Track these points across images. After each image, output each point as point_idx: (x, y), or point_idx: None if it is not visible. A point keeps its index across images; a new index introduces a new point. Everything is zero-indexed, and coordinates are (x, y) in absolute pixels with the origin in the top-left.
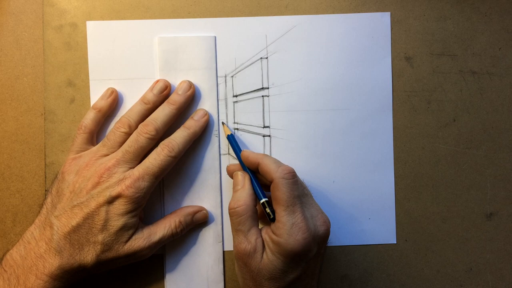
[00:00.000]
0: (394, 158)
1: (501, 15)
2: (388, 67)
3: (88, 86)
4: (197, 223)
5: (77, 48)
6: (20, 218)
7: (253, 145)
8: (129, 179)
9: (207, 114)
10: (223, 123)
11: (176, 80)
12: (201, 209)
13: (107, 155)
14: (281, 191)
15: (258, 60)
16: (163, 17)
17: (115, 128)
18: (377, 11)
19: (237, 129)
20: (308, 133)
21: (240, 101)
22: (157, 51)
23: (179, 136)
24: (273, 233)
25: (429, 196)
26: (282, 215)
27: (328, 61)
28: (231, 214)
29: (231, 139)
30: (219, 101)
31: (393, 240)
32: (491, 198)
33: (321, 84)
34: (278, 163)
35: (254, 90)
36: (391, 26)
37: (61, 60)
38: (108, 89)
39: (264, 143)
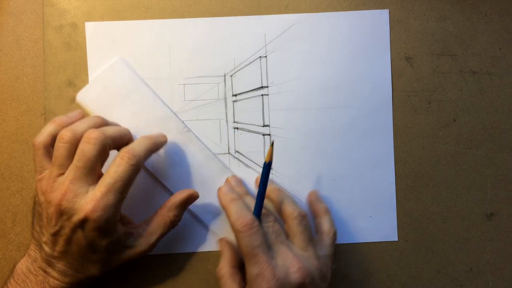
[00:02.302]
0: (394, 158)
1: (501, 15)
2: (387, 65)
3: None
4: (189, 205)
5: (77, 48)
6: (20, 218)
7: (253, 145)
8: (91, 202)
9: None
10: (272, 144)
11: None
12: (191, 193)
13: (60, 173)
14: (239, 244)
15: (257, 59)
16: (163, 17)
17: (57, 141)
18: None
19: (237, 128)
20: (308, 132)
21: (240, 100)
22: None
23: (138, 144)
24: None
25: (429, 196)
26: (246, 266)
27: (327, 59)
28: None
29: (265, 168)
30: (219, 100)
31: (394, 237)
32: (491, 198)
33: (321, 82)
34: (240, 212)
35: (254, 89)
36: (391, 26)
37: (61, 60)
38: (77, 110)
39: (264, 142)
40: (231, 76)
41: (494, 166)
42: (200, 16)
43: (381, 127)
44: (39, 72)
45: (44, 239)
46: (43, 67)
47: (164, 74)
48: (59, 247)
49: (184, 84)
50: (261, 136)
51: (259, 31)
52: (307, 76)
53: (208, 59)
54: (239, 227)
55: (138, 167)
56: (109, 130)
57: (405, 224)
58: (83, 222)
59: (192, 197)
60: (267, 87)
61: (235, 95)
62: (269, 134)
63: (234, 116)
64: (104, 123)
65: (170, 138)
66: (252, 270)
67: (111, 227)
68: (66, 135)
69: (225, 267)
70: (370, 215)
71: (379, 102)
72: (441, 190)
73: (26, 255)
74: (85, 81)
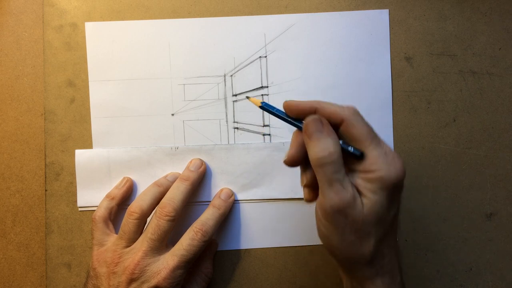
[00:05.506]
0: None
1: (501, 15)
2: (387, 65)
3: (88, 86)
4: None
5: (77, 48)
6: (20, 218)
7: (253, 144)
8: (165, 271)
9: (233, 195)
10: (248, 97)
11: None
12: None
13: (128, 245)
14: (358, 127)
15: (257, 59)
16: (163, 17)
17: (127, 216)
18: None
19: (237, 128)
20: None
21: (240, 100)
22: None
23: (211, 218)
24: (367, 172)
25: (429, 196)
26: (370, 149)
27: (327, 59)
28: (322, 165)
29: (266, 106)
30: (219, 100)
31: None
32: (491, 198)
33: (320, 82)
34: (337, 104)
35: (254, 89)
36: (391, 26)
37: (61, 60)
38: (124, 178)
39: (265, 142)
40: (231, 76)
41: (494, 166)
42: (200, 16)
43: (381, 127)
44: (39, 72)
45: None
46: (43, 67)
47: (164, 74)
48: None
49: (184, 84)
50: (261, 136)
51: (259, 31)
52: (307, 76)
53: (208, 59)
54: (352, 110)
55: (208, 242)
56: (177, 200)
57: (405, 224)
58: None
59: (214, 246)
60: (267, 87)
61: (235, 95)
62: (269, 134)
63: (234, 116)
64: (159, 192)
65: (164, 164)
66: (379, 150)
67: None
68: (135, 212)
69: (339, 150)
70: None
71: (379, 102)
72: (441, 190)
73: None
74: (85, 81)
